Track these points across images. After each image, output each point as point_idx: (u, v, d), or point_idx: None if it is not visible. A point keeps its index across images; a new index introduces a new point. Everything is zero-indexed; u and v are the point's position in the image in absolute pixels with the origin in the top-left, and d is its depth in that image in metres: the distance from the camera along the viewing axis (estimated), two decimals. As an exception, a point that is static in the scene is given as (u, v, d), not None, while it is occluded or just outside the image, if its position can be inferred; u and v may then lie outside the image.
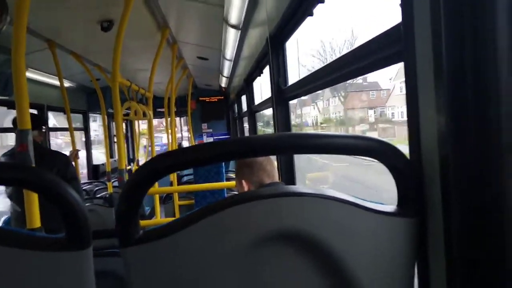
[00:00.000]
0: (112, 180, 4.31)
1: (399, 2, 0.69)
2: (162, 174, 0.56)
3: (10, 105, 3.26)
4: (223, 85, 5.27)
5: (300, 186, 0.62)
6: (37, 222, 1.34)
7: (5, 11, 1.56)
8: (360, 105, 13.19)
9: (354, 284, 0.60)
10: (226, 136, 7.00)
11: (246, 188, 1.36)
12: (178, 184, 4.25)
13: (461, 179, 0.55)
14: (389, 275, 0.61)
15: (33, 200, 1.36)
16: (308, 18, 1.52)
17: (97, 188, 4.43)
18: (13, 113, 2.54)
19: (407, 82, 0.68)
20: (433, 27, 0.58)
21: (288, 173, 2.05)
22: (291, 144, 0.58)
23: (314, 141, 0.58)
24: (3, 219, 3.03)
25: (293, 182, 2.05)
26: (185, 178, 5.54)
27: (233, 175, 4.29)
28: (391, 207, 0.63)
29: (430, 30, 0.59)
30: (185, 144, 7.89)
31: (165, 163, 0.56)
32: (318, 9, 1.41)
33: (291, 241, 0.59)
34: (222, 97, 6.86)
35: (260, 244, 0.59)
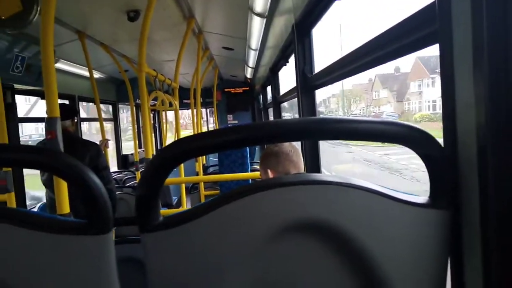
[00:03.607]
0: (140, 170, 4.41)
1: None
2: (182, 159, 0.54)
3: (42, 95, 3.37)
4: (248, 75, 5.25)
5: (325, 175, 0.59)
6: (66, 208, 1.38)
7: (35, 1, 1.60)
8: None
9: (382, 278, 0.56)
10: None
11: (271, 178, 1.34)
12: (203, 175, 4.31)
13: (501, 170, 0.51)
14: (419, 269, 0.58)
15: (63, 186, 1.40)
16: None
17: (126, 177, 4.56)
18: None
19: (442, 65, 0.63)
20: (472, 4, 0.53)
21: (313, 165, 2.01)
22: (315, 129, 0.55)
23: (340, 126, 0.55)
24: (38, 205, 3.16)
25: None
26: (211, 169, 5.59)
27: (258, 167, 4.28)
28: (422, 198, 0.59)
29: (469, 10, 0.54)
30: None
31: (185, 147, 0.54)
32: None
33: (314, 232, 0.57)
34: (247, 88, 6.85)
35: (281, 234, 0.56)
